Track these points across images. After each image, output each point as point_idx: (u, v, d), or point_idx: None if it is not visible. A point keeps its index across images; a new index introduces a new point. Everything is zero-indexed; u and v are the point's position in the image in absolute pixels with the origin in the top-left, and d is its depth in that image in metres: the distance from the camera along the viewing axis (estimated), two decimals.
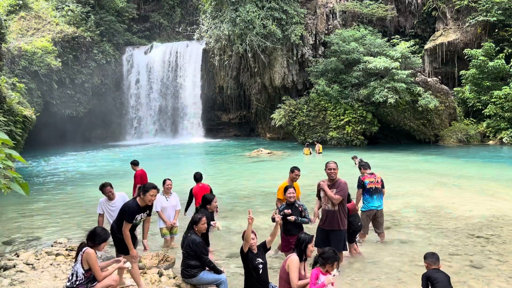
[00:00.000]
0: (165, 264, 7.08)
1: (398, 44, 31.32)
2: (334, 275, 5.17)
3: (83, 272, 5.23)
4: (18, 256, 7.45)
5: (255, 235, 5.67)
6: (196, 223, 6.14)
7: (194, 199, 8.74)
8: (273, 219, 6.48)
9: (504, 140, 28.36)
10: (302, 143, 30.08)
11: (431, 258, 5.28)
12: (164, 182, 8.60)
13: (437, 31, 34.47)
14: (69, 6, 38.46)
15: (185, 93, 41.04)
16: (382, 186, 8.44)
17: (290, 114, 31.94)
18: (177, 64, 41.22)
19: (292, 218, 6.83)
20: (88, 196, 14.32)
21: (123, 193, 8.13)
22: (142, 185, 6.66)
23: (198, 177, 8.92)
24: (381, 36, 32.83)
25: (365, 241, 8.43)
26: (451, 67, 33.93)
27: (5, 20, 25.08)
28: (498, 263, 7.24)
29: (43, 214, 12.12)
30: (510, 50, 30.52)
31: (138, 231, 6.96)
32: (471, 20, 31.52)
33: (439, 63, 33.74)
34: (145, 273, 6.57)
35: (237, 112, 42.48)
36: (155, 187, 6.03)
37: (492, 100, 29.34)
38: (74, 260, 5.60)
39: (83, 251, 5.28)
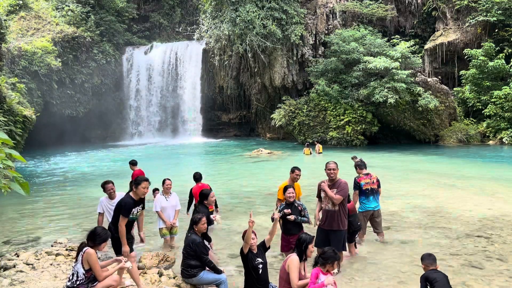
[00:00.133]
0: (165, 264, 7.08)
1: (398, 44, 31.32)
2: (335, 273, 5.20)
3: (84, 272, 5.23)
4: (18, 256, 7.45)
5: (255, 235, 5.67)
6: (196, 223, 6.15)
7: (194, 199, 8.74)
8: (273, 219, 6.48)
9: (504, 140, 28.37)
10: (302, 143, 30.08)
11: (428, 259, 5.29)
12: (163, 182, 8.60)
13: (437, 31, 34.47)
14: (69, 6, 38.47)
15: (185, 93, 41.04)
16: (378, 186, 8.39)
17: (290, 114, 31.94)
18: (177, 64, 41.22)
19: (291, 217, 6.84)
20: (88, 196, 14.33)
21: (124, 194, 8.13)
22: (134, 179, 6.69)
23: (197, 177, 8.93)
24: (381, 36, 32.83)
25: (366, 241, 8.43)
26: (451, 67, 33.93)
27: (5, 20, 25.09)
28: (498, 263, 7.23)
29: (43, 214, 12.12)
30: (510, 50, 30.52)
31: (136, 231, 6.98)
32: (471, 20, 31.52)
33: (439, 63, 33.74)
34: (145, 273, 6.56)
35: (237, 112, 42.47)
36: (146, 180, 6.20)
37: (492, 100, 29.34)
38: (74, 260, 5.60)
39: (83, 251, 5.28)
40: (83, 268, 5.23)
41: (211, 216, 7.71)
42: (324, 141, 29.87)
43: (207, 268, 6.02)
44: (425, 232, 9.14)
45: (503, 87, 29.25)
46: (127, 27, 43.40)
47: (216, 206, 8.46)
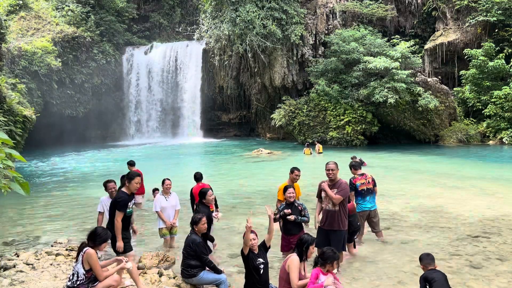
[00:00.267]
0: (165, 264, 7.09)
1: (398, 44, 31.32)
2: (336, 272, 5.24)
3: (84, 272, 5.23)
4: (18, 256, 7.45)
5: (256, 235, 5.67)
6: (196, 223, 6.15)
7: (194, 199, 8.73)
8: (275, 219, 6.50)
9: (504, 140, 28.37)
10: (302, 143, 30.08)
11: (426, 259, 5.30)
12: (163, 182, 8.59)
13: (437, 31, 34.48)
14: (69, 6, 38.46)
15: (185, 93, 41.03)
16: (374, 185, 8.37)
17: (290, 114, 31.94)
18: (177, 64, 41.21)
19: (291, 217, 6.84)
20: (88, 196, 14.33)
21: None
22: (126, 174, 6.73)
23: (198, 177, 8.92)
24: (381, 36, 32.83)
25: (366, 241, 8.43)
26: (451, 67, 33.94)
27: (5, 20, 25.08)
28: (498, 263, 7.23)
29: (43, 214, 12.12)
30: (510, 50, 30.53)
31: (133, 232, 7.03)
32: (471, 20, 31.52)
33: (439, 63, 33.75)
34: (145, 273, 6.56)
35: (237, 112, 42.46)
36: (139, 175, 6.42)
37: (492, 100, 29.34)
38: (74, 260, 5.60)
39: (83, 251, 5.28)
40: (84, 268, 5.23)
41: (213, 214, 7.70)
42: (324, 141, 29.87)
43: (207, 268, 6.03)
44: (425, 232, 9.14)
45: (503, 87, 29.26)
46: (127, 27, 43.39)
47: (216, 206, 8.45)
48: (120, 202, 6.14)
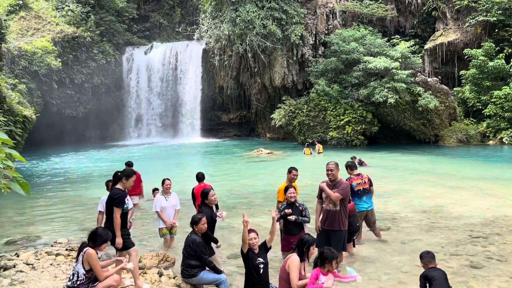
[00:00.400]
0: (165, 264, 7.08)
1: (398, 44, 31.33)
2: (356, 280, 5.29)
3: (84, 272, 5.23)
4: (18, 256, 7.44)
5: (257, 234, 5.66)
6: (196, 223, 6.14)
7: (196, 198, 8.72)
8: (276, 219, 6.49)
9: (504, 140, 28.37)
10: (302, 143, 30.08)
11: (426, 257, 5.29)
12: (163, 182, 8.59)
13: (437, 31, 34.48)
14: (69, 6, 38.46)
15: (185, 93, 41.03)
16: (370, 185, 8.36)
17: (290, 114, 31.94)
18: (177, 64, 41.20)
19: (292, 217, 6.83)
20: (88, 196, 14.33)
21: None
22: (122, 170, 6.72)
23: (200, 177, 8.91)
24: (381, 36, 32.84)
25: (366, 241, 8.43)
26: (451, 67, 33.94)
27: (5, 20, 25.08)
28: (498, 263, 7.23)
29: (43, 214, 12.12)
30: (510, 50, 30.53)
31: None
32: (471, 20, 31.52)
33: (439, 63, 33.75)
34: (145, 273, 6.56)
35: (237, 112, 42.47)
36: (135, 173, 6.55)
37: (492, 100, 29.35)
38: (75, 260, 5.60)
39: (84, 251, 5.27)
40: (84, 268, 5.23)
41: (218, 212, 7.68)
42: (324, 141, 29.87)
43: (207, 268, 6.02)
44: (425, 232, 9.14)
45: (503, 87, 29.26)
46: (127, 27, 43.40)
47: (217, 206, 8.43)
48: (117, 199, 6.10)
